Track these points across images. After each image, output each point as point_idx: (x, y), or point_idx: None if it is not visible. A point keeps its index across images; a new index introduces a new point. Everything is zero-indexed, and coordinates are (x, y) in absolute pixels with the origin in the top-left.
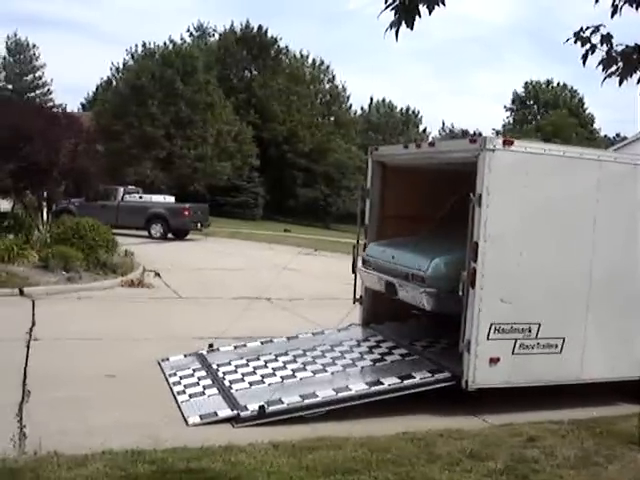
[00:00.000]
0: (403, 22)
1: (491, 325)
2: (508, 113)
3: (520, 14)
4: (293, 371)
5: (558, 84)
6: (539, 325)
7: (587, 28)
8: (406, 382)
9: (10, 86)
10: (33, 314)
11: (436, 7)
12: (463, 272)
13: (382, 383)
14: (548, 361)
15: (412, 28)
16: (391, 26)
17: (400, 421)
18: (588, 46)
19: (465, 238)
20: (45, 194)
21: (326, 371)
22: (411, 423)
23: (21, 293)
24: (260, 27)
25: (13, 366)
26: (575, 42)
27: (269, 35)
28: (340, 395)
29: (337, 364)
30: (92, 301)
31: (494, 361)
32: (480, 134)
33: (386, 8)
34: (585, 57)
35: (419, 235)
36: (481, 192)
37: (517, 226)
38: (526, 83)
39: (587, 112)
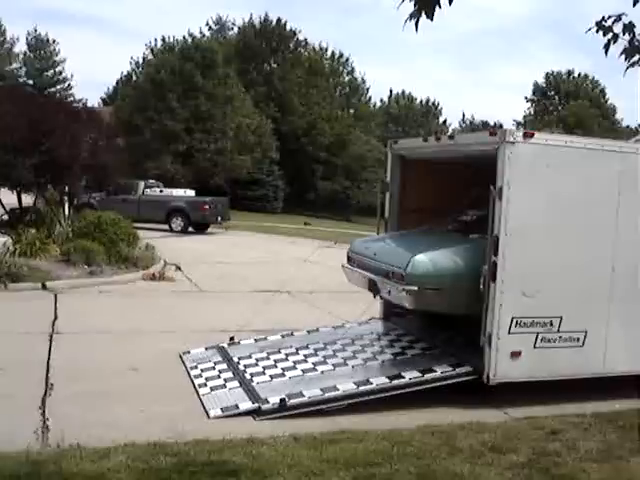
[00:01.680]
0: (423, 13)
1: (512, 319)
2: (529, 104)
3: (541, 4)
4: (314, 364)
5: (579, 74)
6: (561, 318)
7: (609, 17)
8: (427, 376)
9: (31, 81)
10: (55, 308)
11: None
12: (484, 266)
13: (403, 377)
14: (570, 355)
15: (432, 19)
16: (411, 17)
17: (421, 414)
18: (610, 35)
19: (457, 235)
20: (66, 189)
21: (347, 364)
22: (432, 416)
23: (43, 287)
24: (279, 20)
25: (36, 359)
26: (597, 32)
27: (288, 28)
28: (361, 389)
29: (358, 357)
30: (114, 295)
31: (515, 355)
32: (500, 126)
33: None
34: (607, 47)
35: (406, 231)
36: (501, 185)
37: (538, 219)
38: (547, 74)
39: (609, 102)
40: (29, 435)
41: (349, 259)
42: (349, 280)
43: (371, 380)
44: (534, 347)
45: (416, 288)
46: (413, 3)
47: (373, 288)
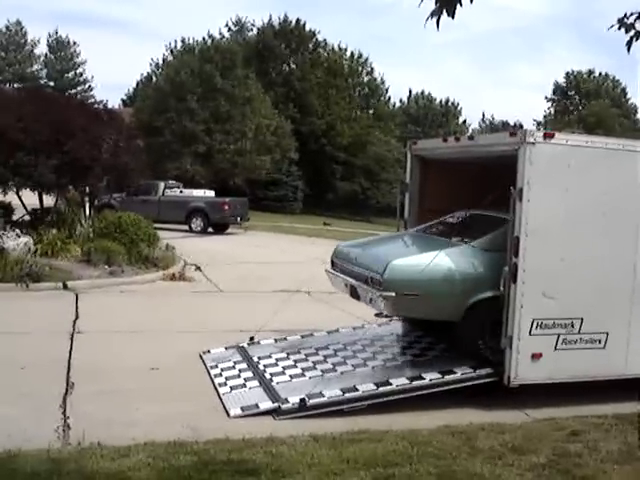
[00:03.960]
0: (444, 11)
1: (533, 320)
2: (549, 104)
3: (560, 3)
4: (334, 365)
5: (600, 74)
6: (582, 320)
7: (631, 14)
8: (447, 377)
9: (52, 83)
10: (76, 307)
11: None
12: (505, 267)
13: (423, 378)
14: (591, 356)
15: (453, 17)
16: (432, 15)
17: (441, 414)
18: (633, 32)
19: (440, 239)
20: (87, 189)
21: (367, 365)
22: (452, 417)
23: (65, 287)
24: (298, 21)
25: (57, 358)
26: (619, 29)
27: (307, 28)
28: (381, 389)
29: (378, 358)
30: (134, 295)
31: (536, 357)
32: (521, 126)
33: None
34: (629, 44)
35: (389, 236)
36: (522, 186)
37: (559, 220)
38: (567, 73)
39: (630, 102)
40: (50, 433)
41: (332, 264)
42: (333, 285)
43: (391, 381)
44: (555, 349)
45: (393, 294)
46: (434, 1)
47: (354, 294)
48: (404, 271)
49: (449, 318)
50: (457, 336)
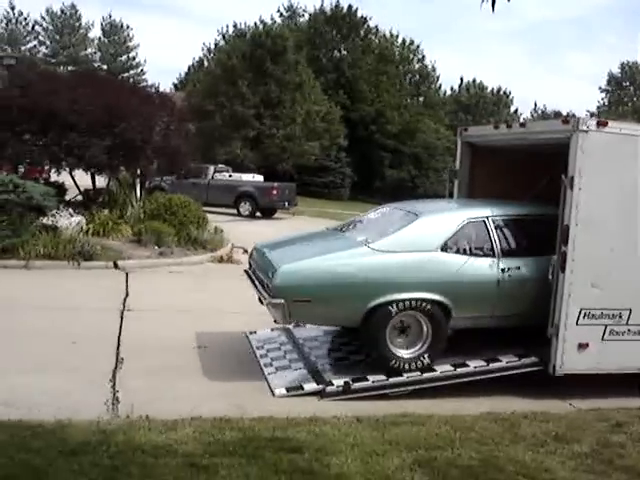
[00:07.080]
0: None
1: (581, 310)
2: (603, 94)
3: None
4: None
5: None
6: (630, 311)
7: None
8: (492, 365)
9: (105, 66)
10: (127, 286)
11: None
12: (553, 256)
13: (468, 365)
14: (639, 348)
15: None
16: None
17: (485, 401)
18: None
19: (347, 238)
20: (139, 171)
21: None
22: (496, 404)
23: (115, 266)
24: (350, 7)
25: (108, 335)
26: None
27: (359, 15)
28: (425, 375)
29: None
30: (182, 275)
31: (583, 347)
32: (573, 115)
33: None
34: None
35: (300, 235)
36: (573, 174)
37: (610, 209)
38: (622, 64)
39: None
40: (100, 406)
41: (250, 265)
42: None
43: (435, 367)
44: (602, 339)
45: (282, 301)
46: None
47: (260, 300)
48: (294, 276)
49: (348, 324)
50: (360, 343)
